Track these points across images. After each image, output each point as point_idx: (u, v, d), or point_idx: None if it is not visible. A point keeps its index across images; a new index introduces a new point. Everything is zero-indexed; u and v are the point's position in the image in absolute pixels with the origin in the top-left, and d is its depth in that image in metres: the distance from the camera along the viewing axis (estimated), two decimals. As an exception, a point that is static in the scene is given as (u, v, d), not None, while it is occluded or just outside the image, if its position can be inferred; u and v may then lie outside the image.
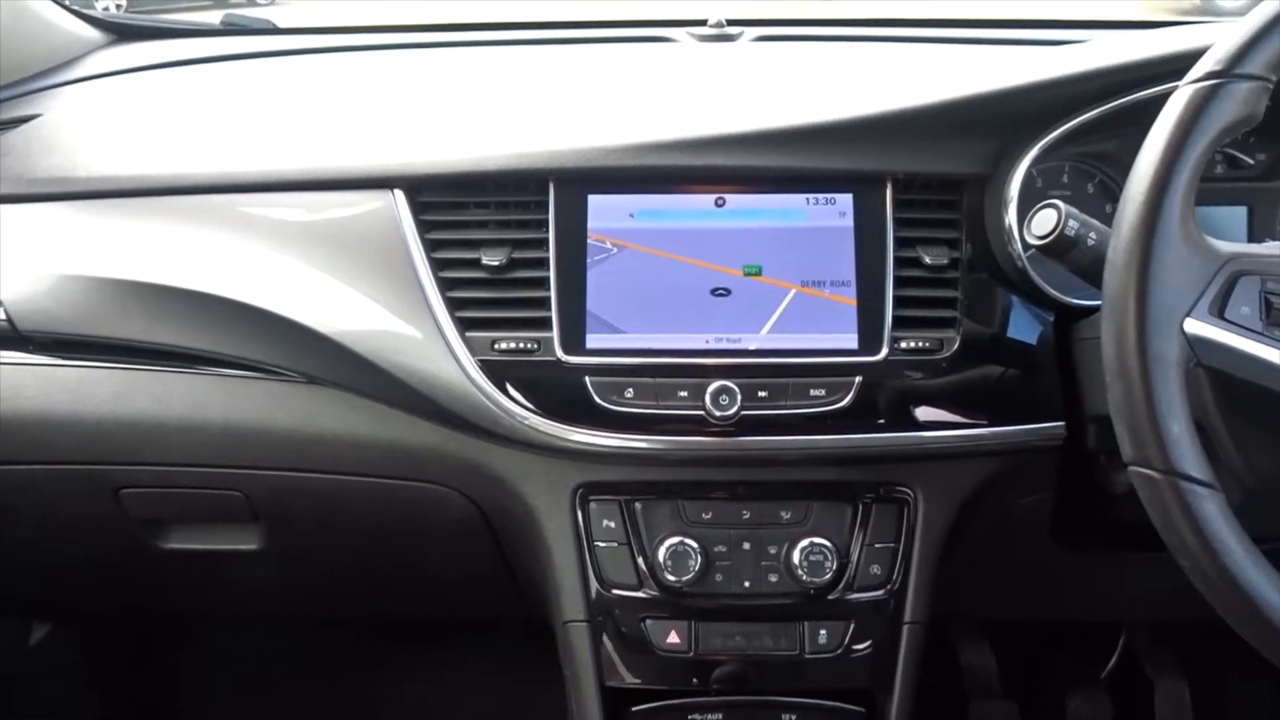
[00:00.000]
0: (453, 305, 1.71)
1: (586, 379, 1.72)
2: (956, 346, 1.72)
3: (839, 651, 1.75)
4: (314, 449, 1.77)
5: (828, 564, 1.73)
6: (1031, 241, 1.54)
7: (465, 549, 1.92)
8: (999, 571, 1.93)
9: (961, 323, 1.71)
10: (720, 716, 1.74)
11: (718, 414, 1.70)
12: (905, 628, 1.78)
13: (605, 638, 1.76)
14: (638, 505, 1.77)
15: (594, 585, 1.76)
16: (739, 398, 1.70)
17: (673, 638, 1.77)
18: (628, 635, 1.76)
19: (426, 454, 1.79)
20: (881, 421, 1.73)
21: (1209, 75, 1.35)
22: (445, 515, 1.86)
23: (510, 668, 2.54)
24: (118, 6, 2.43)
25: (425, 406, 1.73)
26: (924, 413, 1.75)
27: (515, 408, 1.71)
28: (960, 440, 1.74)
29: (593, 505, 1.78)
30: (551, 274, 1.71)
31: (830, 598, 1.76)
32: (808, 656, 1.75)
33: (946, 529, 1.78)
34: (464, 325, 1.71)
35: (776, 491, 1.77)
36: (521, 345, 1.72)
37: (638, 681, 1.76)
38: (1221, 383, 1.36)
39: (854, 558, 1.76)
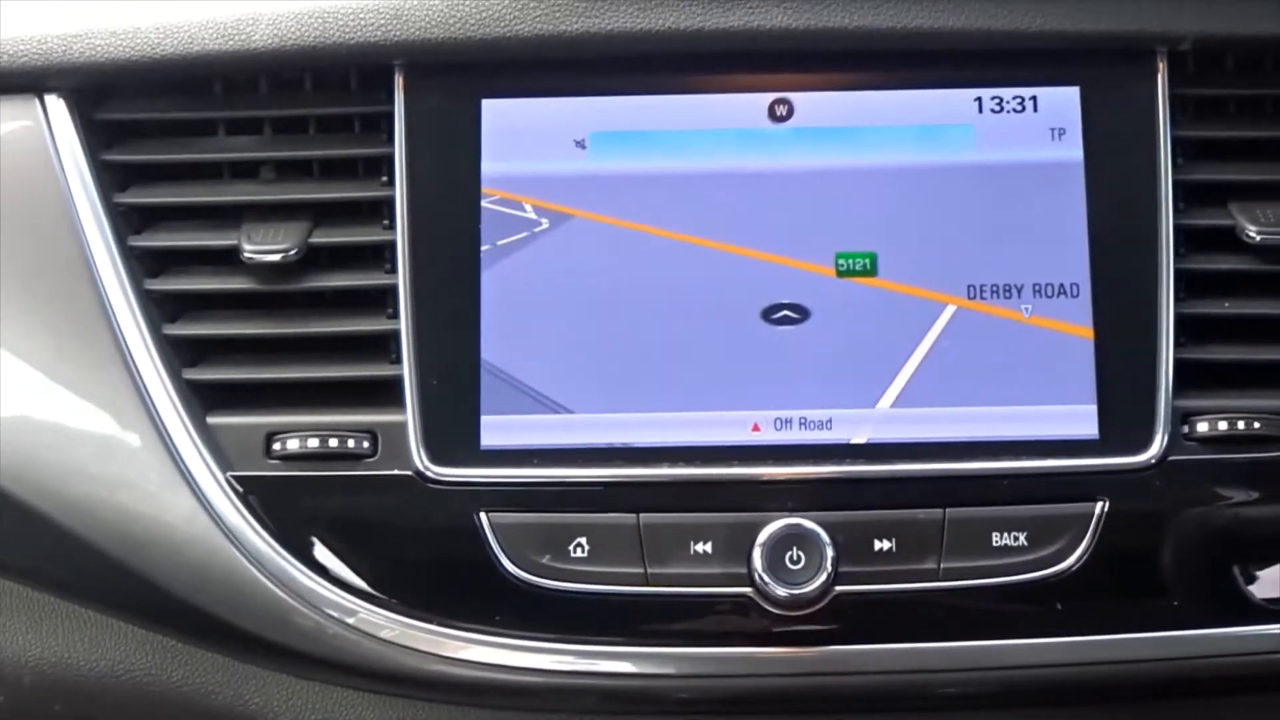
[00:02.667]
0: (175, 352, 1.24)
1: (482, 519, 1.18)
2: None
3: None
4: None
5: None
6: None
7: None
8: None
9: None
10: None
11: (784, 593, 1.16)
12: None
13: None
14: None
15: None
16: (829, 556, 1.16)
17: None
18: None
19: (130, 692, 1.30)
20: (1159, 605, 1.20)
21: None
22: None
23: None
24: None
25: (120, 587, 1.25)
26: (1255, 581, 1.19)
27: (319, 585, 1.20)
28: None
29: None
30: (401, 279, 1.23)
31: None
32: None
33: None
34: (203, 397, 1.24)
35: None
36: (335, 443, 1.21)
37: None
38: None
39: None
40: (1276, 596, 1.21)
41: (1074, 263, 1.22)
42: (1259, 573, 1.19)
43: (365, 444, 1.19)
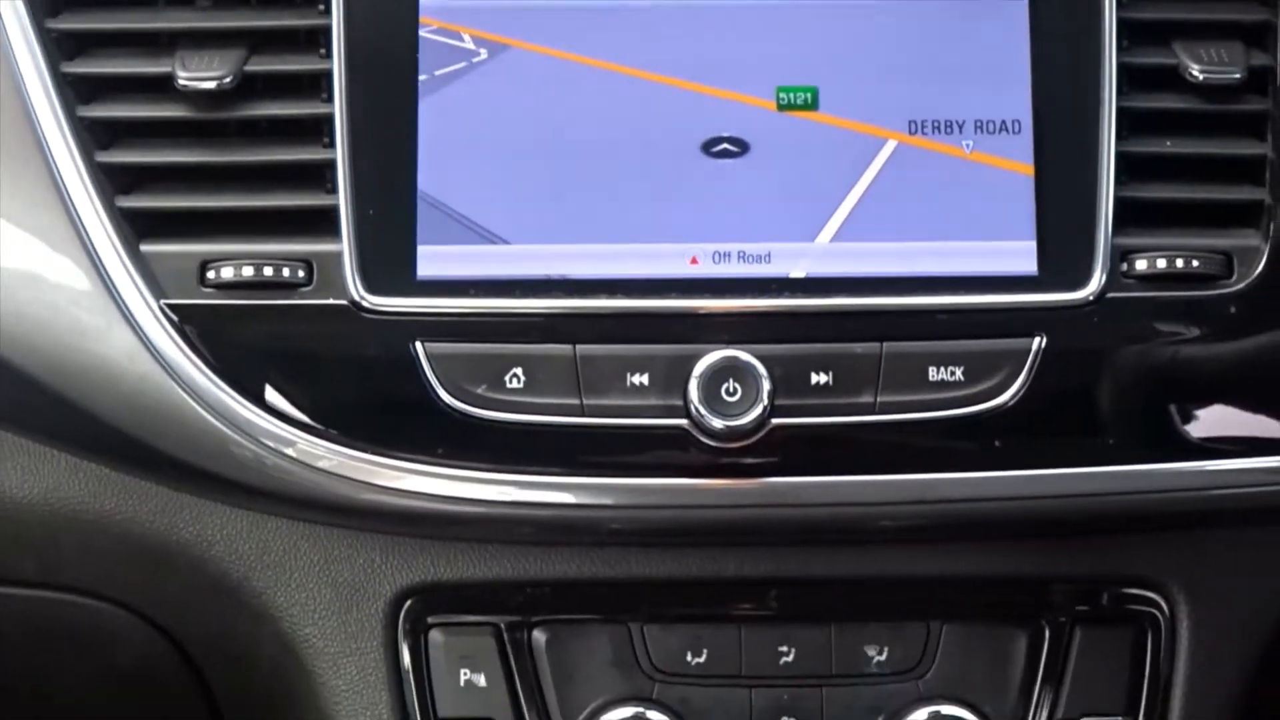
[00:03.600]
0: (109, 179, 1.21)
1: (418, 348, 1.17)
2: (1261, 267, 1.21)
3: None
4: None
5: None
6: None
7: None
8: None
9: (1274, 214, 1.22)
10: None
11: (720, 424, 1.15)
12: None
13: None
14: (538, 636, 1.25)
15: None
16: (765, 388, 1.15)
17: None
18: None
19: (62, 524, 1.29)
20: (1094, 442, 1.19)
21: None
22: (106, 664, 1.38)
23: None
24: None
25: (55, 416, 1.25)
26: (1191, 420, 1.20)
27: (257, 415, 1.19)
28: (1277, 477, 1.21)
29: (436, 639, 1.26)
30: (338, 108, 1.21)
31: None
32: None
33: (1243, 684, 1.28)
34: (137, 225, 1.21)
35: (857, 604, 1.28)
36: (270, 272, 1.19)
37: None
38: None
39: None
40: (1211, 435, 1.20)
41: (1016, 99, 1.21)
42: (1195, 411, 1.19)
43: (300, 273, 1.18)
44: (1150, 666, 1.26)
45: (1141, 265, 1.18)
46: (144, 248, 1.19)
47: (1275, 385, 1.23)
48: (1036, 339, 1.17)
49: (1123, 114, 1.21)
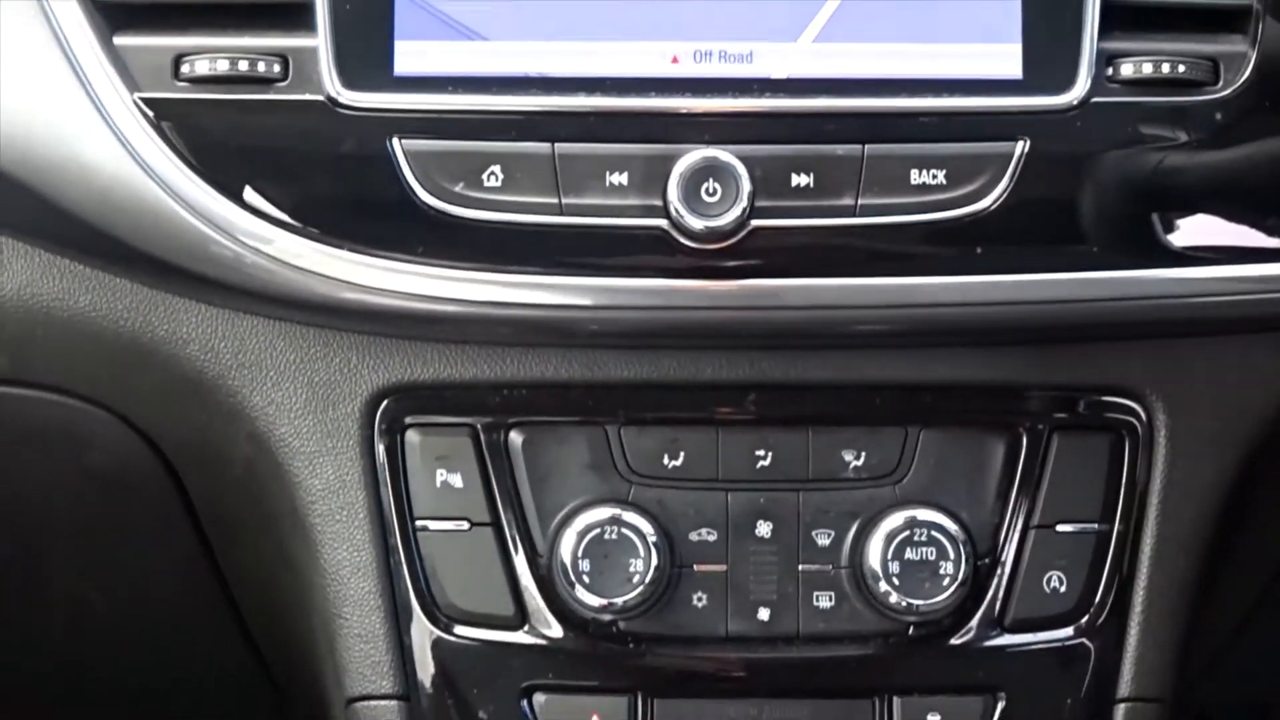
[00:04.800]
0: None
1: (395, 145, 1.16)
2: (1248, 73, 1.19)
3: None
4: None
5: (946, 567, 1.20)
6: None
7: (130, 544, 1.44)
8: None
9: (1262, 19, 1.20)
10: None
11: (699, 225, 1.14)
12: (1121, 710, 1.26)
13: None
14: (514, 438, 1.24)
15: (415, 616, 1.25)
16: (746, 189, 1.14)
17: None
18: None
19: (36, 320, 1.28)
20: (1076, 248, 1.19)
21: None
22: (81, 464, 1.36)
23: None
24: None
25: (31, 212, 1.23)
26: (1174, 227, 1.19)
27: (232, 211, 1.18)
28: (1258, 286, 1.20)
29: (413, 438, 1.26)
30: None
31: (953, 642, 1.24)
32: None
33: (1220, 495, 1.26)
34: (110, 17, 1.19)
35: (834, 409, 1.25)
36: (245, 66, 1.18)
37: None
38: None
39: (1005, 554, 1.24)
40: (1193, 243, 1.19)
41: None
42: (1178, 218, 1.19)
43: (276, 68, 1.16)
44: (1127, 475, 1.26)
45: (1127, 70, 1.16)
46: (117, 40, 1.17)
47: (1259, 193, 1.21)
48: (1020, 143, 1.16)
49: None
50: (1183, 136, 1.18)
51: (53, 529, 1.43)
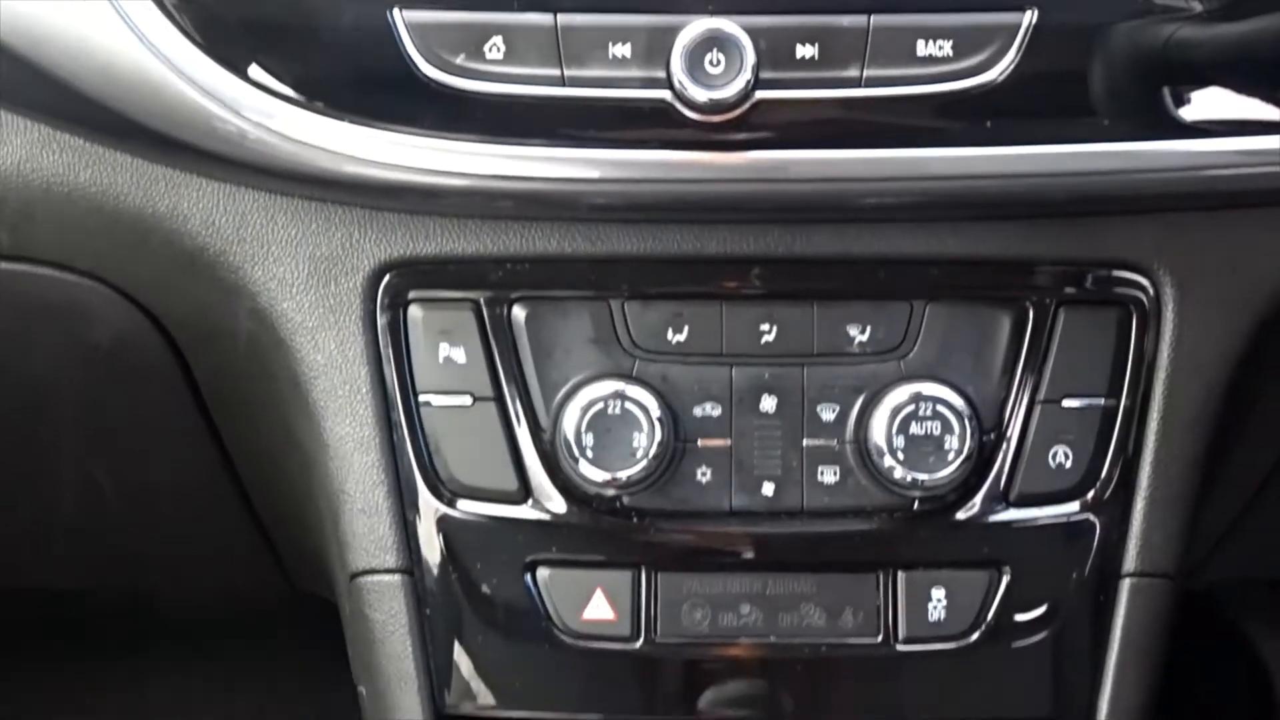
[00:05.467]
0: None
1: (396, 17, 1.15)
2: None
3: (975, 636, 1.23)
4: None
5: (951, 441, 1.19)
6: None
7: (135, 422, 1.43)
8: None
9: None
10: None
11: (703, 96, 1.13)
12: (1126, 585, 1.25)
13: (441, 608, 1.26)
14: (517, 313, 1.24)
15: (419, 491, 1.25)
16: (750, 60, 1.12)
17: (598, 606, 1.23)
18: (494, 601, 1.25)
19: (36, 195, 1.26)
20: (1085, 120, 1.17)
21: None
22: (85, 341, 1.35)
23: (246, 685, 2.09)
24: None
25: (32, 87, 1.22)
26: (1183, 100, 1.16)
27: (235, 86, 1.17)
28: (1269, 159, 1.17)
29: (415, 313, 1.25)
30: None
31: (958, 517, 1.23)
32: (903, 648, 1.23)
33: (1228, 370, 1.24)
34: None
35: (840, 283, 1.24)
36: None
37: (515, 709, 1.27)
38: None
39: (1010, 429, 1.23)
40: (1203, 115, 1.18)
41: None
42: (1188, 91, 1.17)
43: None
44: (1134, 349, 1.25)
45: None
46: None
47: (1271, 66, 1.20)
48: (1028, 13, 1.14)
49: None
50: (1196, 6, 1.15)
51: (58, 406, 1.43)
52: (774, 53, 1.12)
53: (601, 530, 1.22)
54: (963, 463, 1.18)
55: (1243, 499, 1.39)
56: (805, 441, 1.20)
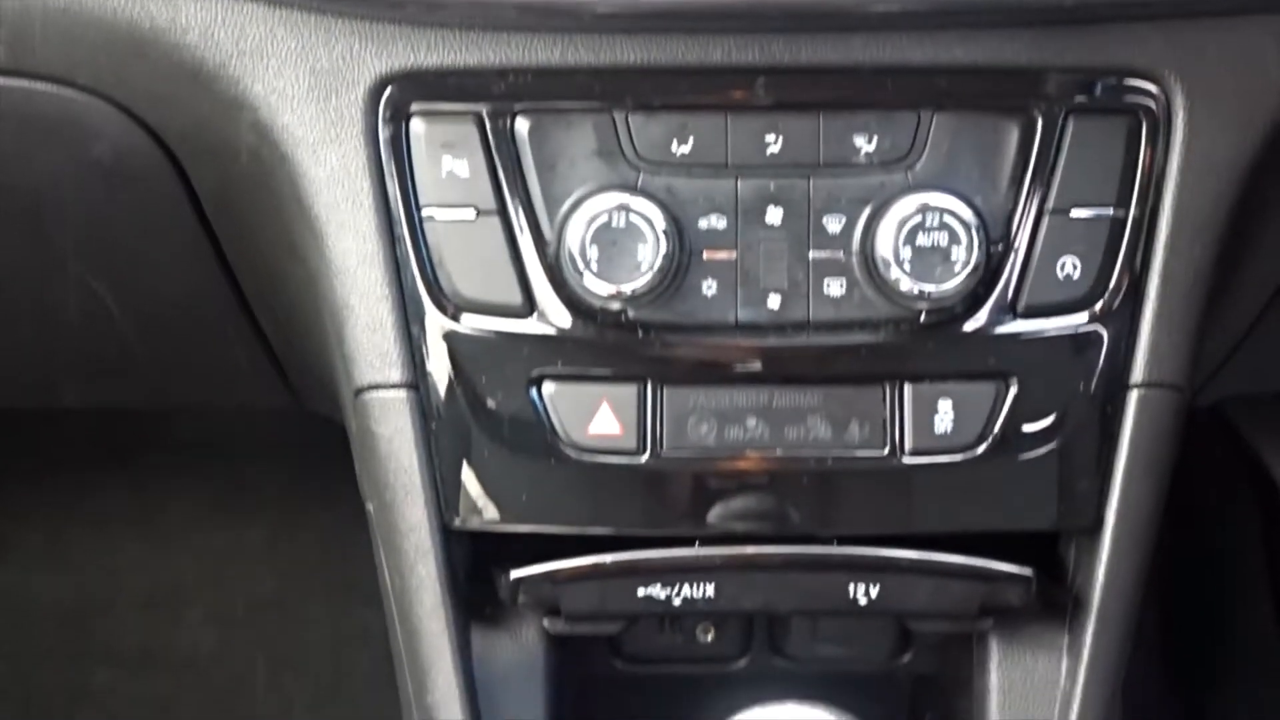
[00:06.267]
0: None
1: None
2: None
3: (982, 447, 1.21)
4: None
5: (958, 252, 1.16)
6: None
7: (138, 240, 1.40)
8: None
9: None
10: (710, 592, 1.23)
11: None
12: (1134, 396, 1.23)
13: (446, 422, 1.25)
14: (520, 125, 1.21)
15: (423, 305, 1.23)
16: None
17: (604, 420, 1.21)
18: (499, 416, 1.23)
19: (35, 10, 1.23)
20: None
21: None
22: (85, 157, 1.31)
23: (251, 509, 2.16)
24: None
25: None
26: None
27: None
28: None
29: (417, 125, 1.22)
30: None
31: (965, 328, 1.20)
32: (910, 460, 1.21)
33: (1238, 178, 1.21)
34: None
35: (846, 93, 1.20)
36: None
37: (521, 523, 1.26)
38: None
39: (1018, 239, 1.20)
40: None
41: None
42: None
43: None
44: (1144, 158, 1.22)
45: None
46: None
47: None
48: None
49: None
50: None
51: (60, 222, 1.41)
52: None
53: (606, 344, 1.20)
54: (970, 274, 1.15)
55: (1252, 312, 1.36)
56: (811, 253, 1.17)
